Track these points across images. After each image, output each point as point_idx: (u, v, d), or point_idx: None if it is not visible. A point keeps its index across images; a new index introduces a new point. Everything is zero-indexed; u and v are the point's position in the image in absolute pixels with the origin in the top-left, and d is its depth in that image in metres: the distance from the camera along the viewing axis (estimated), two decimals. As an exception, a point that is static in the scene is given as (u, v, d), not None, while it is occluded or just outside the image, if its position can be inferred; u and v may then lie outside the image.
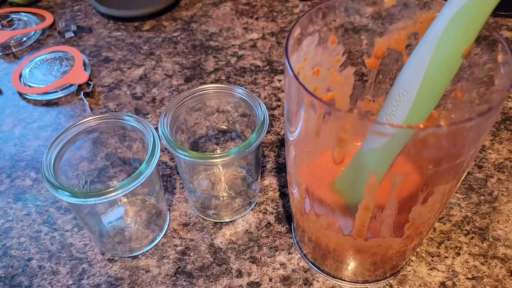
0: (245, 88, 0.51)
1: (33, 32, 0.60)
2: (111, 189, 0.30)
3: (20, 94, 0.52)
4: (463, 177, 0.27)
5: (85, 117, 0.35)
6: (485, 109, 0.22)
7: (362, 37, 0.32)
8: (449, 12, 0.24)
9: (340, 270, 0.34)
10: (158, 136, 0.34)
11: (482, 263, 0.35)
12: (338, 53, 0.32)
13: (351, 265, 0.33)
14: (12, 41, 0.58)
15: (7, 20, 0.60)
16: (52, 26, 0.61)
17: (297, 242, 0.37)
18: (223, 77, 0.52)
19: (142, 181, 0.31)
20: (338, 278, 0.35)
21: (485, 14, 0.24)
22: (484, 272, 0.35)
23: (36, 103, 0.51)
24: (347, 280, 0.35)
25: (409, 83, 0.27)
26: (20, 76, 0.53)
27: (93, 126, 0.34)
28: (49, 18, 0.61)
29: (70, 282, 0.36)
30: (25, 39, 0.59)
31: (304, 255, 0.36)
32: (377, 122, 0.23)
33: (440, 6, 0.28)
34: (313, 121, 0.26)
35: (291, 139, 0.29)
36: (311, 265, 0.36)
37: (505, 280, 0.34)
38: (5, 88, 0.53)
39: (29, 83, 0.52)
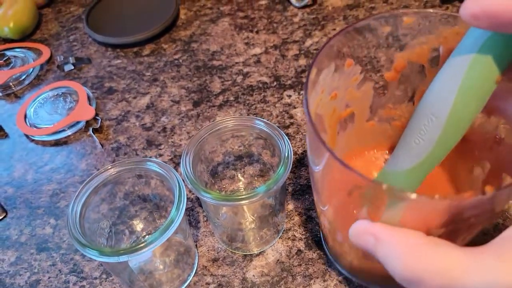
0: (255, 107, 0.50)
1: (32, 69, 0.58)
2: (143, 244, 0.29)
3: (27, 136, 0.51)
4: None
5: (105, 167, 0.34)
6: None
7: (380, 55, 0.32)
8: (479, 36, 0.23)
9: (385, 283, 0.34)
10: (181, 177, 0.33)
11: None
12: (355, 73, 0.31)
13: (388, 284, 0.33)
14: (12, 81, 0.57)
15: (4, 59, 0.59)
16: (50, 60, 0.60)
17: (333, 259, 0.36)
18: (231, 98, 0.52)
19: (173, 230, 0.30)
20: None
21: None
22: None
23: (45, 144, 0.50)
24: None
25: (437, 109, 0.26)
26: (25, 117, 0.52)
27: (114, 174, 0.34)
28: (46, 52, 0.60)
29: (106, 334, 0.35)
30: (24, 76, 0.58)
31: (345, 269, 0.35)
32: (413, 195, 0.22)
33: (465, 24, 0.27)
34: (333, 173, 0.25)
35: (316, 171, 0.28)
36: (354, 277, 0.35)
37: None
38: (11, 131, 0.52)
39: (35, 124, 0.51)
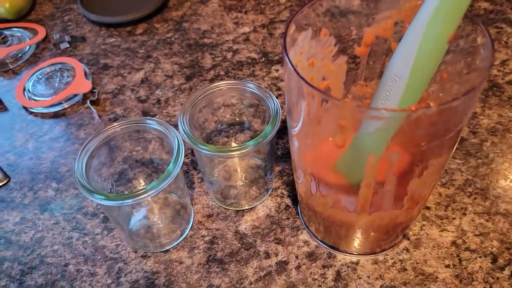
0: (249, 81, 0.53)
1: (28, 47, 0.60)
2: (143, 190, 0.32)
3: (26, 109, 0.53)
4: (454, 150, 0.30)
5: (107, 124, 0.37)
6: (469, 89, 0.25)
7: (351, 28, 0.34)
8: (432, 4, 0.27)
9: (353, 245, 0.37)
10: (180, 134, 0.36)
11: (487, 220, 0.38)
12: (330, 44, 0.34)
13: (362, 238, 0.36)
14: (9, 58, 0.59)
15: (1, 37, 0.60)
16: (45, 39, 0.62)
17: (304, 222, 0.40)
18: (222, 73, 0.54)
19: (171, 180, 0.33)
20: (349, 253, 0.37)
21: (464, 5, 0.26)
22: (490, 228, 0.38)
23: (44, 116, 0.52)
24: (366, 253, 0.37)
25: (400, 70, 0.29)
26: (24, 90, 0.54)
27: (118, 132, 0.36)
28: (42, 31, 0.62)
29: (110, 281, 0.38)
30: (20, 54, 0.60)
31: (317, 238, 0.39)
32: (373, 108, 0.26)
33: None
34: (313, 111, 0.28)
35: (293, 133, 0.31)
36: (322, 244, 0.38)
37: (509, 233, 0.37)
38: (10, 104, 0.54)
39: (34, 98, 0.53)
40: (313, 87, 0.25)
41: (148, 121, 0.36)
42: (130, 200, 0.32)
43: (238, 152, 0.35)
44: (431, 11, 0.27)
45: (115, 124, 0.36)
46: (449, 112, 0.25)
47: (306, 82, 0.25)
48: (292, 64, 0.26)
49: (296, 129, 0.31)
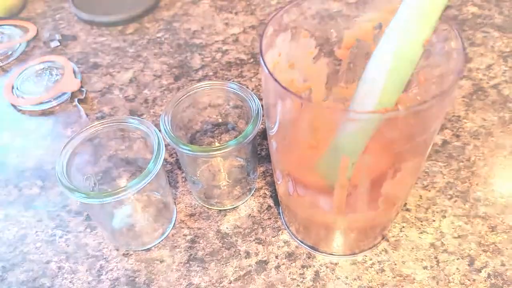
0: (232, 81, 0.53)
1: (18, 44, 0.61)
2: (123, 188, 0.32)
3: (14, 106, 0.53)
4: (427, 153, 0.30)
5: (90, 123, 0.37)
6: (439, 92, 0.25)
7: (332, 31, 0.34)
8: (408, 7, 0.27)
9: (332, 245, 0.37)
10: (161, 134, 0.36)
11: (466, 223, 0.39)
12: (310, 46, 0.34)
13: (341, 238, 0.36)
14: (-1, 55, 0.59)
15: (-9, 34, 0.61)
16: (36, 37, 0.62)
17: (285, 223, 0.40)
18: (211, 73, 0.55)
19: (151, 178, 0.33)
20: (328, 254, 0.38)
21: (439, 9, 0.26)
22: (468, 230, 0.38)
23: (31, 113, 0.53)
24: (345, 254, 0.38)
25: (377, 73, 0.29)
26: (12, 88, 0.54)
27: (100, 131, 0.37)
28: (33, 30, 0.62)
29: (90, 279, 0.38)
30: (10, 52, 0.60)
31: (297, 238, 0.39)
32: (344, 110, 0.26)
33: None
34: (288, 113, 0.28)
35: (271, 134, 0.32)
36: (302, 244, 0.38)
37: (487, 235, 0.38)
38: (-2, 102, 0.54)
39: (22, 95, 0.53)
40: (286, 89, 0.25)
41: (130, 120, 0.36)
42: (110, 198, 0.32)
43: (219, 152, 0.35)
44: (407, 15, 0.27)
45: (97, 123, 0.36)
46: (419, 115, 0.25)
47: (280, 84, 0.26)
48: (266, 66, 0.27)
49: (273, 130, 0.31)
